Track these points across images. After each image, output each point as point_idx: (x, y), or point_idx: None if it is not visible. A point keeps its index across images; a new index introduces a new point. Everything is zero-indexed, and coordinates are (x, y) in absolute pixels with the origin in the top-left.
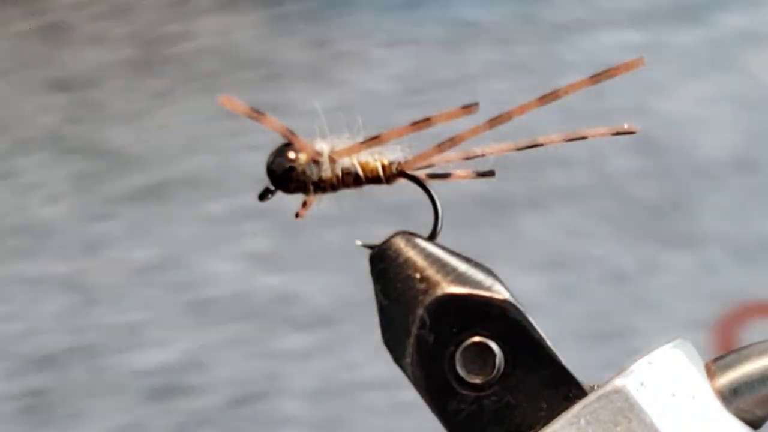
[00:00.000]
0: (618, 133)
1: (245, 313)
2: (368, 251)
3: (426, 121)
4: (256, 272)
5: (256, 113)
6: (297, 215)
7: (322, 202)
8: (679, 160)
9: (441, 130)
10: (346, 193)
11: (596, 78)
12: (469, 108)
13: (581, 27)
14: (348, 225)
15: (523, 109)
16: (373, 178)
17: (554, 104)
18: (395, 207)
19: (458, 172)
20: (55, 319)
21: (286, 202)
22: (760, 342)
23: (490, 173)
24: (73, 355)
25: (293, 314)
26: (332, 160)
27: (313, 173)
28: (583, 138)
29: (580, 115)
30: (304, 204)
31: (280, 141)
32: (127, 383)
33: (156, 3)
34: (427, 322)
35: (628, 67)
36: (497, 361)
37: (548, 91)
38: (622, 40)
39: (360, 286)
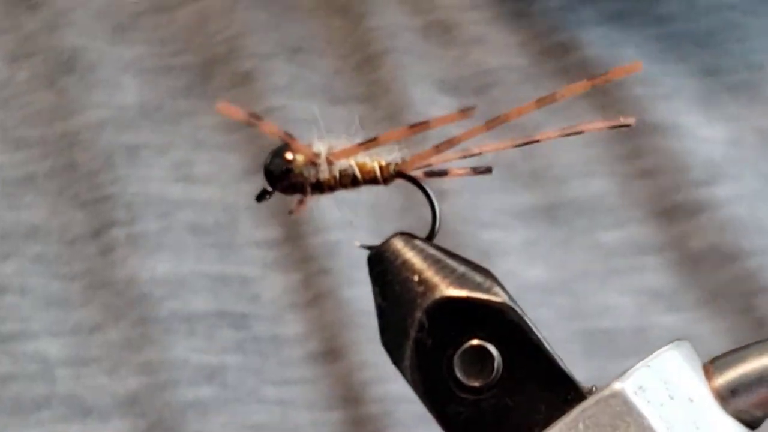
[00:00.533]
0: (614, 126)
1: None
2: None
3: (423, 125)
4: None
5: (254, 119)
6: (290, 213)
7: None
8: None
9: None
10: None
11: (594, 81)
12: (466, 111)
13: None
14: (743, 261)
15: (520, 111)
16: (370, 179)
17: None
18: None
19: (455, 169)
20: None
21: (681, 234)
22: (759, 342)
23: (487, 170)
24: None
25: None
26: (330, 162)
27: (311, 174)
28: (580, 132)
29: None
30: (301, 201)
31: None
32: None
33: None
34: (426, 325)
35: (625, 71)
36: (496, 364)
37: None
38: None
39: (756, 331)
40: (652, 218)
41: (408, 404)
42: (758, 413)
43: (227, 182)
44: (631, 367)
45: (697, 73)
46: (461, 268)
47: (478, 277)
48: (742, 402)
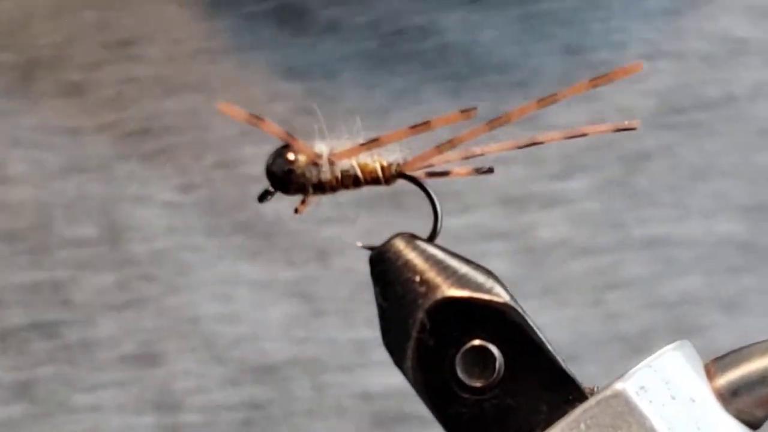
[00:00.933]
0: (619, 130)
1: None
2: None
3: (425, 125)
4: None
5: (255, 119)
6: (296, 211)
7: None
8: None
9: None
10: None
11: (595, 82)
12: (467, 112)
13: None
14: (596, 256)
15: (522, 111)
16: (372, 180)
17: None
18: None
19: (457, 169)
20: (278, 327)
21: (530, 223)
22: (760, 342)
23: (489, 170)
24: (295, 368)
25: None
26: (331, 162)
27: (313, 175)
28: (584, 135)
29: None
30: (303, 201)
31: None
32: (352, 406)
33: None
34: (427, 326)
35: (626, 71)
36: (497, 364)
37: None
38: None
39: (605, 324)
40: (499, 206)
41: (228, 413)
42: (759, 413)
43: (41, 181)
44: (633, 367)
45: (559, 52)
46: (463, 269)
47: (480, 278)
48: (744, 402)
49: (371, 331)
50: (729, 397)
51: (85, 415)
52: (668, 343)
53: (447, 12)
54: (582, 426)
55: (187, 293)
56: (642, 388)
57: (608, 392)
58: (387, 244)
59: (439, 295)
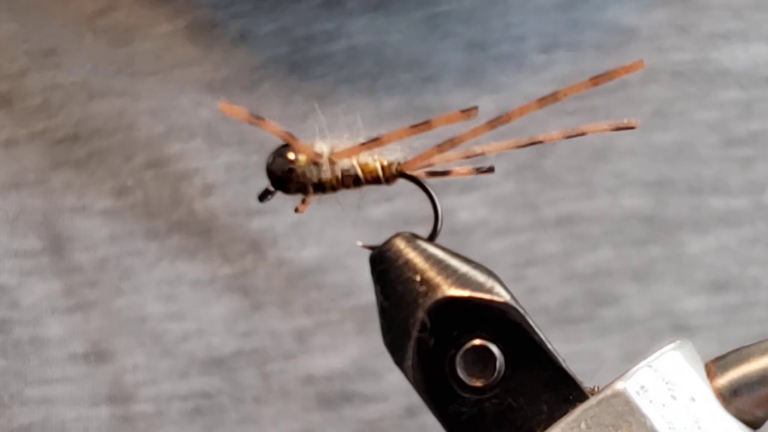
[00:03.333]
0: (619, 128)
1: None
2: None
3: (426, 124)
4: None
5: (256, 118)
6: (296, 210)
7: None
8: None
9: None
10: None
11: (596, 80)
12: (468, 112)
13: (735, 37)
14: (513, 235)
15: (522, 111)
16: (372, 179)
17: None
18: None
19: (457, 169)
20: (221, 321)
21: (450, 207)
22: (760, 342)
23: (489, 170)
24: (241, 359)
25: None
26: (332, 162)
27: (313, 174)
28: (583, 134)
29: None
30: (304, 200)
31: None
32: (297, 390)
33: (306, 3)
34: (428, 325)
35: (627, 69)
36: (498, 363)
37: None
38: None
39: (527, 298)
40: (420, 192)
41: (180, 402)
42: (760, 413)
43: None
44: (633, 366)
45: (463, 48)
46: (463, 268)
47: (481, 277)
48: (744, 402)
49: (310, 319)
50: (729, 396)
51: (37, 407)
52: (586, 313)
53: (353, 18)
54: (582, 425)
55: (133, 296)
56: (642, 387)
57: (609, 392)
58: (387, 244)
59: (439, 295)
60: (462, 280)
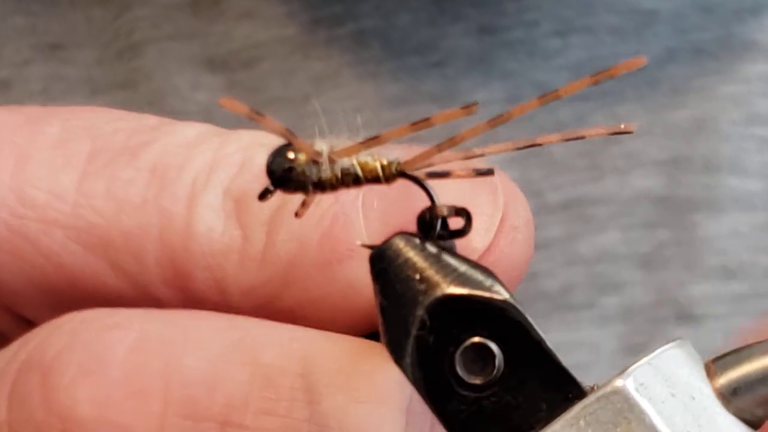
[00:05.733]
0: (616, 133)
1: None
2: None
3: (425, 122)
4: None
5: (256, 114)
6: (296, 215)
7: None
8: None
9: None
10: None
11: (596, 77)
12: (468, 108)
13: (765, 8)
14: None
15: (523, 109)
16: (372, 179)
17: None
18: None
19: (457, 171)
20: None
21: None
22: (760, 342)
23: (489, 172)
24: None
25: None
26: (331, 161)
27: (313, 173)
28: (581, 137)
29: None
30: (304, 203)
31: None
32: None
33: None
34: (427, 323)
35: (627, 66)
36: (497, 361)
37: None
38: None
39: (528, 283)
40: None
41: None
42: (760, 413)
43: None
44: (632, 363)
45: (475, 33)
46: (462, 267)
47: (480, 276)
48: (744, 401)
49: None
50: (729, 396)
51: None
52: (587, 300)
53: (362, 0)
54: (581, 422)
55: None
56: (642, 384)
57: (608, 389)
58: (387, 243)
59: (439, 293)
60: (461, 279)
